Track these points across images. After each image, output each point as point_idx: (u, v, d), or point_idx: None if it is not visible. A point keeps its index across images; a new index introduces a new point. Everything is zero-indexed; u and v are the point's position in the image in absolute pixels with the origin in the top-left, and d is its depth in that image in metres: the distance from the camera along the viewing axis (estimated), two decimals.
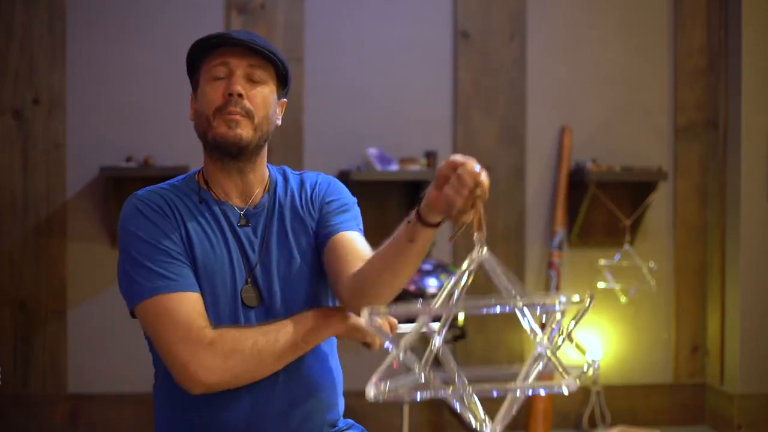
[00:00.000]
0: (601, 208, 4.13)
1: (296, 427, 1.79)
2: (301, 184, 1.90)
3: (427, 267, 3.54)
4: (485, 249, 1.20)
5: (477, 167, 1.38)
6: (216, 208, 1.82)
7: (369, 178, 3.83)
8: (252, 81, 1.79)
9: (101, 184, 3.83)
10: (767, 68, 4.02)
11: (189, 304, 1.69)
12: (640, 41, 4.18)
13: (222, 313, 1.76)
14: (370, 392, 1.09)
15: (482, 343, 4.06)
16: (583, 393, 4.12)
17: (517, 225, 4.10)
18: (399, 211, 3.98)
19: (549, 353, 1.11)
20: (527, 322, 1.13)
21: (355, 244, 1.79)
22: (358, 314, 1.74)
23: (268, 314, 1.78)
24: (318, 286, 1.85)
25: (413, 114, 4.04)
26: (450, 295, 1.19)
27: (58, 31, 3.85)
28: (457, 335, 3.80)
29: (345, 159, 3.96)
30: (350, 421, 1.92)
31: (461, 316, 3.51)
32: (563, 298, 1.09)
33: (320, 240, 1.83)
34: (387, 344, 1.15)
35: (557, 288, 4.00)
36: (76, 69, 3.86)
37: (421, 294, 3.49)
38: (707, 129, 4.19)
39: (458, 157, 1.41)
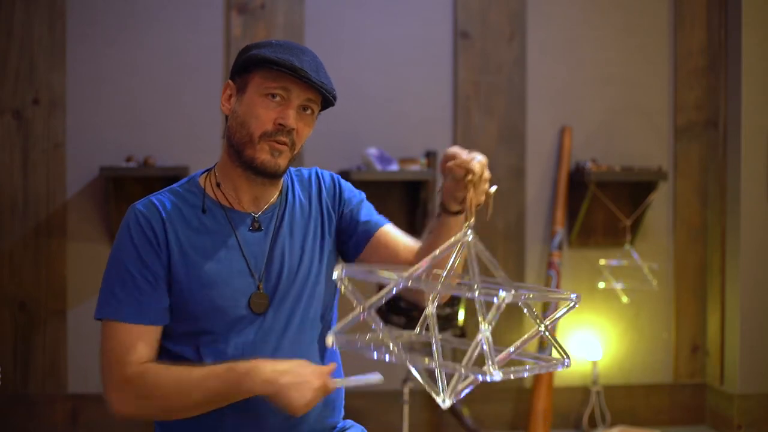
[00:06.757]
0: (601, 208, 4.13)
1: (298, 429, 1.79)
2: (302, 182, 1.91)
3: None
4: (470, 233, 1.23)
5: (466, 155, 1.51)
6: (221, 216, 1.80)
7: (369, 178, 3.83)
8: (303, 112, 1.78)
9: (101, 184, 3.83)
10: (767, 68, 4.02)
11: (130, 335, 1.72)
12: (640, 41, 4.18)
13: (228, 322, 1.75)
14: (329, 340, 1.14)
15: None
16: (583, 393, 4.13)
17: (517, 225, 4.10)
18: (399, 211, 3.98)
19: (547, 334, 1.17)
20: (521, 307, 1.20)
21: (398, 237, 1.85)
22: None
23: (277, 320, 1.78)
24: (328, 288, 1.86)
25: (413, 114, 4.04)
26: (430, 269, 1.24)
27: (58, 31, 3.85)
28: (456, 335, 3.80)
29: (345, 159, 3.96)
30: (350, 421, 1.92)
31: (461, 316, 3.51)
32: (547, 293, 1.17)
33: (357, 238, 1.86)
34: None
35: (557, 288, 4.00)
36: (76, 69, 3.86)
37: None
38: (707, 129, 4.19)
39: (450, 151, 1.54)
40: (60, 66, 3.85)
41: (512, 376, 1.10)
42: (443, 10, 4.06)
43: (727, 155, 4.10)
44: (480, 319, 1.09)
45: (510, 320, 4.05)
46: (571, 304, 1.18)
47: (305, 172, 1.93)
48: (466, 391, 1.13)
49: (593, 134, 4.15)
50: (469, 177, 1.49)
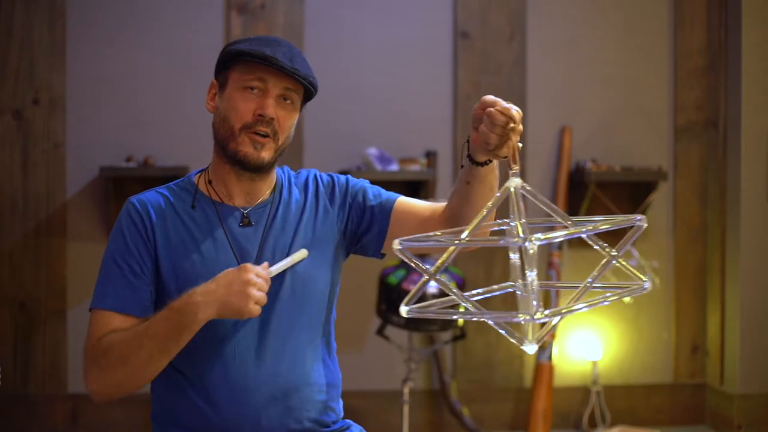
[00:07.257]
0: (601, 208, 4.13)
1: (289, 425, 1.78)
2: (299, 182, 1.91)
3: (428, 267, 3.53)
4: (519, 179, 1.25)
5: (506, 104, 1.52)
6: (211, 212, 1.81)
7: (369, 178, 3.77)
8: (283, 102, 1.79)
9: (101, 184, 3.83)
10: (767, 68, 4.02)
11: (106, 321, 1.72)
12: (640, 41, 4.19)
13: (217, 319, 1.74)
14: (403, 311, 1.16)
15: (482, 344, 4.06)
16: (583, 393, 4.13)
17: None
18: None
19: (620, 262, 1.19)
20: (593, 242, 1.22)
21: (417, 203, 1.87)
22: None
23: (266, 318, 1.77)
24: (326, 288, 1.85)
25: (413, 114, 4.04)
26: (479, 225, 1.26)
27: (58, 31, 3.85)
28: (456, 335, 3.80)
29: (345, 159, 3.97)
30: (349, 421, 1.92)
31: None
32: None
33: (378, 221, 1.86)
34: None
35: (557, 288, 4.00)
36: (76, 69, 3.86)
37: (421, 295, 3.48)
38: (707, 129, 4.19)
39: (488, 98, 1.56)
40: (60, 66, 3.85)
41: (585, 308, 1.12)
42: (443, 10, 4.06)
43: (727, 155, 4.10)
44: (524, 267, 1.11)
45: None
46: (639, 224, 1.17)
47: (304, 173, 1.95)
48: (547, 334, 1.16)
49: (593, 134, 4.15)
50: (511, 124, 1.51)
